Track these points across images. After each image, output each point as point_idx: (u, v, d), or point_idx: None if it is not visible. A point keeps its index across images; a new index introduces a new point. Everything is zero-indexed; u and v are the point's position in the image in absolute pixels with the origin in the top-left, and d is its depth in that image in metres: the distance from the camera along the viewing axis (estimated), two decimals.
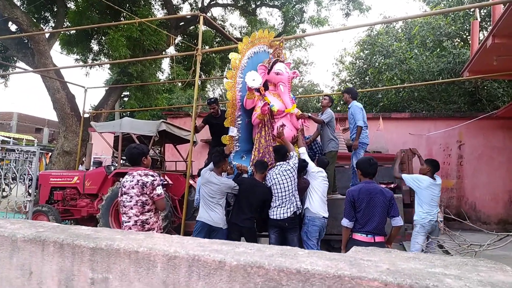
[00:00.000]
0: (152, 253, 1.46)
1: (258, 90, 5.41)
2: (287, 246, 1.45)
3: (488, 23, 13.88)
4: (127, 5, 12.48)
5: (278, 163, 4.97)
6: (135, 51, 11.98)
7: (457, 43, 14.81)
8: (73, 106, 12.24)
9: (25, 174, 8.52)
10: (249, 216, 4.82)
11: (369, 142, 6.46)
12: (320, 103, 6.60)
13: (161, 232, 3.53)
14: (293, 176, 4.85)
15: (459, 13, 13.79)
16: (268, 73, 5.67)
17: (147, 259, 1.48)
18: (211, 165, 5.02)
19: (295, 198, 4.86)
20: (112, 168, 7.88)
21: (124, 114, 19.17)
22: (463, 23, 14.12)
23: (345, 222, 3.73)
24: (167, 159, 9.28)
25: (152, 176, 3.51)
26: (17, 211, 7.53)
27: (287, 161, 4.96)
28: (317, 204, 4.95)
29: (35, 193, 7.94)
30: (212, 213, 4.62)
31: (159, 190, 3.51)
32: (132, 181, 3.46)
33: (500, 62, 7.90)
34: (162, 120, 7.61)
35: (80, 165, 11.09)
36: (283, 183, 4.78)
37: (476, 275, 1.16)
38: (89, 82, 46.09)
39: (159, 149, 10.39)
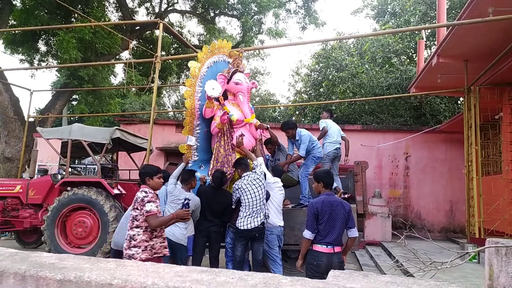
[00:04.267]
0: (127, 286, 1.34)
1: (217, 99, 5.37)
2: (269, 274, 1.41)
3: (432, 42, 14.94)
4: (79, 5, 11.88)
5: (245, 174, 4.93)
6: (87, 53, 11.42)
7: (404, 60, 15.76)
8: (17, 109, 11.45)
9: None
10: (216, 222, 5.01)
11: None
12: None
13: None
14: (263, 184, 4.86)
15: (406, 32, 14.70)
16: (228, 83, 5.66)
17: None
18: (173, 180, 4.88)
19: (265, 206, 4.88)
20: (59, 176, 7.44)
21: (72, 119, 18.13)
22: (409, 41, 15.07)
23: (307, 234, 3.74)
24: (120, 167, 8.91)
25: None
26: None
27: (254, 170, 4.96)
28: (273, 214, 5.04)
29: None
30: (175, 229, 4.53)
31: None
32: None
33: (443, 79, 8.54)
34: (116, 127, 7.32)
35: (23, 173, 10.32)
36: (254, 192, 4.76)
37: None
38: (35, 84, 43.16)
39: (111, 156, 9.96)
